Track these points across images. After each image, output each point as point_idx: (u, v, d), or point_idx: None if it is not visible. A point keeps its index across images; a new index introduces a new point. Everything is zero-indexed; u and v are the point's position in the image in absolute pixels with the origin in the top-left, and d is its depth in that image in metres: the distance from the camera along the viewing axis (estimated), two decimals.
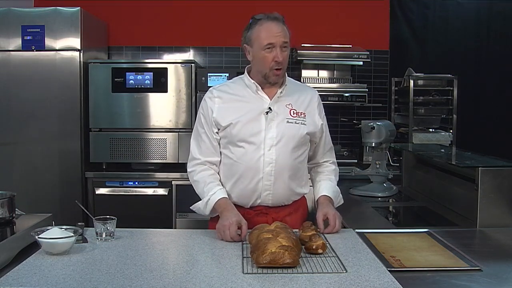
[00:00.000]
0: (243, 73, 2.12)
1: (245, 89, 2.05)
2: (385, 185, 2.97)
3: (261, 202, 2.05)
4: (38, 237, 1.66)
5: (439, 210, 2.53)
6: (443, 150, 3.05)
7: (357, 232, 1.98)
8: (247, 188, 2.03)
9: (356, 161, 3.99)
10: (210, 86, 2.18)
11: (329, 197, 2.10)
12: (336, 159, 4.07)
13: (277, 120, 2.01)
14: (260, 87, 2.03)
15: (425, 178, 2.89)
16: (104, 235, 1.83)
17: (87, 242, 1.78)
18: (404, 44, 4.43)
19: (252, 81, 2.03)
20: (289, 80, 2.11)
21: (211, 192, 2.00)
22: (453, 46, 4.34)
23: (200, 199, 2.05)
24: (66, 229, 1.73)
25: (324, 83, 4.25)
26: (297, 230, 1.84)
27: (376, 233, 2.02)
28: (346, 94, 4.06)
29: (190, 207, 2.10)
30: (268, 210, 2.07)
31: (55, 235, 1.66)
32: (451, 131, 3.89)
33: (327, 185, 2.13)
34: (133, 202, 3.61)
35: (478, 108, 4.29)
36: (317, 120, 2.11)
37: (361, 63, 4.13)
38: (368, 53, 4.07)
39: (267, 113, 2.00)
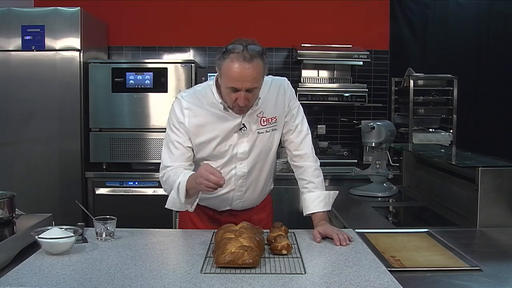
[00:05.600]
0: None
1: (215, 103, 1.92)
2: (385, 185, 2.97)
3: (232, 208, 2.08)
4: (38, 237, 1.66)
5: (439, 210, 2.53)
6: (443, 150, 3.05)
7: (357, 232, 1.98)
8: (218, 197, 2.02)
9: (356, 161, 4.00)
10: None
11: (321, 212, 1.97)
12: (336, 159, 4.11)
13: (249, 133, 1.95)
14: (228, 106, 1.89)
15: (425, 178, 2.89)
16: (104, 235, 1.83)
17: (87, 242, 1.79)
18: (404, 44, 4.43)
19: (220, 100, 1.89)
20: None
21: (180, 176, 1.84)
22: (453, 46, 4.34)
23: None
24: (66, 229, 1.73)
25: (324, 83, 4.25)
26: (268, 230, 1.85)
27: (376, 233, 2.02)
28: (346, 94, 4.06)
29: (165, 206, 1.93)
30: (237, 213, 2.10)
31: (55, 235, 1.66)
32: (451, 131, 3.89)
33: (311, 197, 1.99)
34: (133, 202, 3.62)
35: (478, 108, 4.29)
36: (287, 115, 2.02)
37: (361, 63, 4.14)
38: (368, 53, 4.07)
39: (240, 129, 1.92)
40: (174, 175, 1.89)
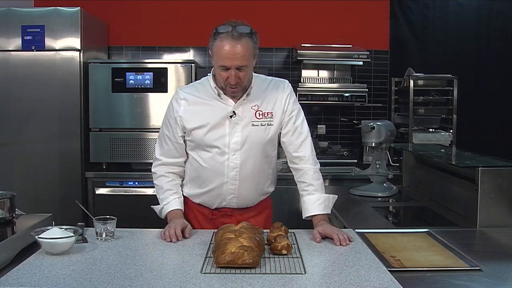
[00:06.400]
0: None
1: (211, 92, 1.99)
2: (385, 185, 2.97)
3: (226, 204, 2.08)
4: (38, 237, 1.66)
5: (439, 210, 2.53)
6: (443, 150, 3.05)
7: (357, 232, 1.98)
8: (212, 191, 2.03)
9: (356, 161, 4.00)
10: None
11: (321, 214, 1.97)
12: (336, 159, 4.11)
13: (242, 124, 1.97)
14: (222, 92, 1.96)
15: (425, 178, 2.89)
16: (104, 235, 1.83)
17: (87, 242, 1.79)
18: (404, 44, 4.43)
19: (214, 85, 1.97)
20: (257, 77, 2.02)
21: (164, 202, 2.04)
22: (453, 46, 4.33)
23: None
24: (66, 229, 1.74)
25: (324, 83, 4.25)
26: (268, 230, 1.85)
27: (376, 233, 2.02)
28: (346, 94, 4.07)
29: (151, 206, 2.12)
30: (232, 212, 2.09)
31: (55, 235, 1.66)
32: (451, 131, 3.89)
33: (311, 199, 1.99)
34: (133, 202, 3.61)
35: (478, 108, 4.28)
36: (285, 115, 2.03)
37: (361, 63, 4.14)
38: (368, 53, 4.07)
39: (231, 117, 1.95)
40: (161, 190, 2.07)
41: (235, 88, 1.90)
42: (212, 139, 1.97)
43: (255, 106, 1.99)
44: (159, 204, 2.08)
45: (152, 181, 2.10)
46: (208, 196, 2.06)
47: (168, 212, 2.03)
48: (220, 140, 1.97)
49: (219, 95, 1.96)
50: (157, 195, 2.11)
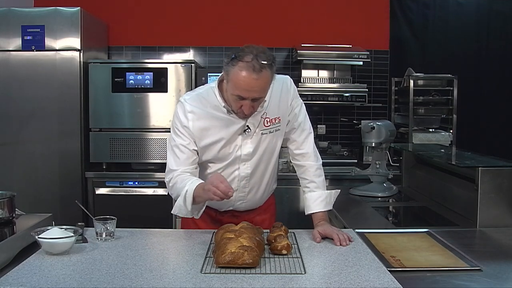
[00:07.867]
0: None
1: (218, 106, 1.90)
2: (385, 185, 2.97)
3: (234, 208, 2.08)
4: (38, 237, 1.66)
5: (439, 210, 2.53)
6: (443, 150, 3.05)
7: (357, 232, 1.98)
8: None
9: (356, 161, 4.00)
10: None
11: (322, 211, 1.98)
12: (336, 159, 4.11)
13: (253, 134, 1.94)
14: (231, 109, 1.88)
15: (425, 178, 2.89)
16: (104, 235, 1.83)
17: (87, 242, 1.79)
18: (404, 44, 4.43)
19: (223, 104, 1.88)
20: None
21: (187, 184, 1.82)
22: (453, 46, 4.34)
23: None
24: (66, 229, 1.74)
25: (324, 83, 4.25)
26: (268, 230, 1.85)
27: (376, 233, 2.02)
28: (346, 94, 4.06)
29: (172, 212, 1.91)
30: (239, 214, 2.09)
31: (55, 235, 1.66)
32: (451, 131, 3.89)
33: (313, 197, 2.00)
34: (133, 202, 3.62)
35: (478, 108, 4.29)
36: (290, 114, 2.00)
37: (361, 63, 4.14)
38: (368, 53, 4.07)
39: (244, 131, 1.92)
40: (181, 182, 1.87)
41: (247, 115, 1.85)
42: (225, 154, 1.94)
43: (263, 114, 1.93)
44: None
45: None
46: (217, 202, 2.03)
47: (195, 188, 1.79)
48: (232, 153, 1.94)
49: (228, 112, 1.89)
50: (176, 193, 1.89)
